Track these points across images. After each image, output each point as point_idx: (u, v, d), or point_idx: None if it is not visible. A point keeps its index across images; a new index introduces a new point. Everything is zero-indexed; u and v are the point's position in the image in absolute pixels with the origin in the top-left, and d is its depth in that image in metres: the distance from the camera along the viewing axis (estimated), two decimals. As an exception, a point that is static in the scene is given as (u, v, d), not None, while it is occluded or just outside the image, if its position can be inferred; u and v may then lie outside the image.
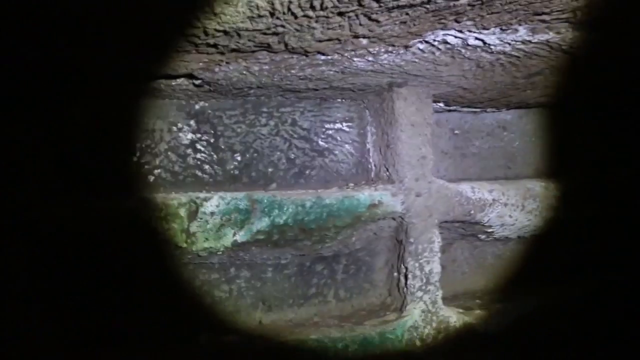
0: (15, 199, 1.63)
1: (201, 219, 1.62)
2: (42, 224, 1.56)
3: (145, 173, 1.78)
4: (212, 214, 1.63)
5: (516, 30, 1.43)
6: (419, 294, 1.84)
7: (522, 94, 2.07)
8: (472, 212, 1.93)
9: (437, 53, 1.55)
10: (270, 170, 1.90)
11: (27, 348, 1.60)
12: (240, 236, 1.65)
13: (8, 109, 1.65)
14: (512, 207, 2.00)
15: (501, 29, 1.41)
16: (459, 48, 1.53)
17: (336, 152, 1.98)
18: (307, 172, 1.94)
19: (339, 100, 1.97)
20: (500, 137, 2.37)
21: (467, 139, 2.30)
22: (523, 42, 1.50)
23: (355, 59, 1.54)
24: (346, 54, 1.50)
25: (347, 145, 1.99)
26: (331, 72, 1.63)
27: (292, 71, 1.59)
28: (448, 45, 1.51)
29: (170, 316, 1.77)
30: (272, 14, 1.17)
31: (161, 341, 1.69)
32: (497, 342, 1.94)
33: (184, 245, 1.62)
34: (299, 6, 1.15)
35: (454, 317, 1.87)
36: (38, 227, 1.56)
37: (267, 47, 1.40)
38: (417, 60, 1.60)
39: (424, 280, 1.84)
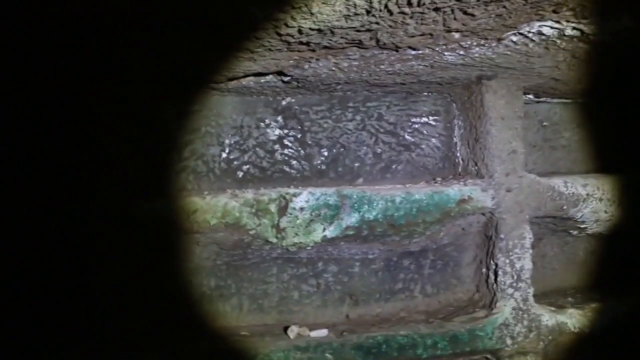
0: (114, 195, 1.70)
1: (291, 214, 1.65)
2: (133, 219, 1.63)
3: (234, 169, 1.82)
4: (302, 209, 1.65)
5: (619, 19, 1.37)
6: (510, 290, 1.79)
7: (618, 84, 1.99)
8: (564, 207, 1.86)
9: (531, 45, 1.51)
10: (356, 165, 1.90)
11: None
12: (330, 231, 1.67)
13: (102, 109, 1.73)
14: (608, 202, 1.91)
15: (602, 17, 1.36)
16: (554, 39, 1.48)
17: (423, 146, 1.96)
18: (394, 166, 1.93)
19: (425, 93, 1.94)
20: (592, 128, 2.26)
21: (556, 130, 2.22)
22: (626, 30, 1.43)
23: (446, 53, 1.52)
24: (437, 49, 1.48)
25: (433, 139, 1.97)
26: (420, 67, 1.61)
27: (382, 66, 1.59)
28: (543, 37, 1.46)
29: (258, 310, 1.81)
30: (368, 12, 1.17)
31: (248, 334, 1.73)
32: (591, 342, 1.87)
33: (274, 240, 1.66)
34: (396, 3, 1.15)
35: (546, 316, 1.82)
36: (131, 221, 1.63)
37: (359, 44, 1.40)
38: (509, 52, 1.56)
39: (515, 277, 1.80)
